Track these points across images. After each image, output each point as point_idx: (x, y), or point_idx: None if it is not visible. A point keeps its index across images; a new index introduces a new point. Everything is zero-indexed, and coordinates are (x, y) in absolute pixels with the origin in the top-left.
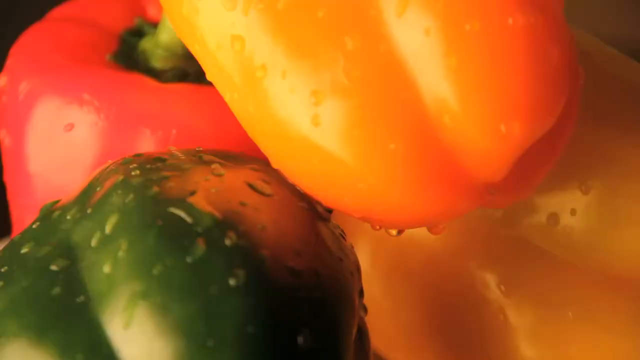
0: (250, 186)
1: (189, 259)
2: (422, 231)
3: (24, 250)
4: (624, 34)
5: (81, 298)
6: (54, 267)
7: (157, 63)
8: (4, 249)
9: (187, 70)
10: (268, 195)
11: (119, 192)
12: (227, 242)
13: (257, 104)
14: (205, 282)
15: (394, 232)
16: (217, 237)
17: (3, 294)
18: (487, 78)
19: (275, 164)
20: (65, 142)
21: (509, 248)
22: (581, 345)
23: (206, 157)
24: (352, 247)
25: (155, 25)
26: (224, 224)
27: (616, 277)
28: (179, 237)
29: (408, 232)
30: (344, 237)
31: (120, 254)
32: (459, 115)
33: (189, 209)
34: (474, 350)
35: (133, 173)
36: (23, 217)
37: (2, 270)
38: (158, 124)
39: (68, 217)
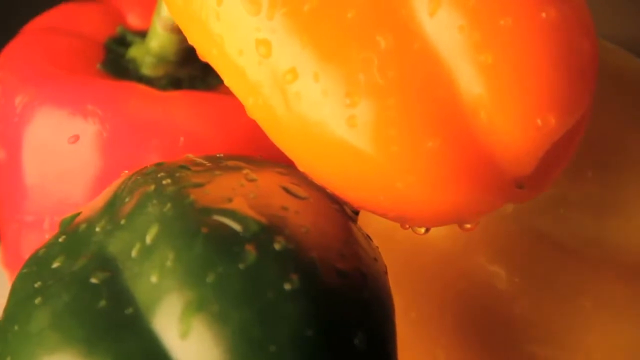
0: (286, 190)
1: (241, 266)
2: (432, 230)
3: (55, 265)
4: (624, 34)
5: (130, 310)
6: (94, 280)
7: (148, 71)
8: (29, 264)
9: (179, 77)
10: (304, 198)
11: (154, 201)
12: (277, 246)
13: (286, 107)
14: (260, 288)
15: (422, 230)
16: (266, 242)
17: (44, 309)
18: (524, 72)
19: (303, 167)
20: (69, 154)
21: (519, 242)
22: (598, 336)
23: (231, 163)
24: (377, 248)
25: (138, 33)
26: (271, 228)
27: (629, 266)
28: (228, 244)
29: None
30: (370, 238)
31: (168, 263)
32: (496, 110)
33: (233, 215)
34: (487, 346)
35: (164, 182)
36: (18, 231)
37: (36, 285)
38: (165, 132)
39: (97, 229)
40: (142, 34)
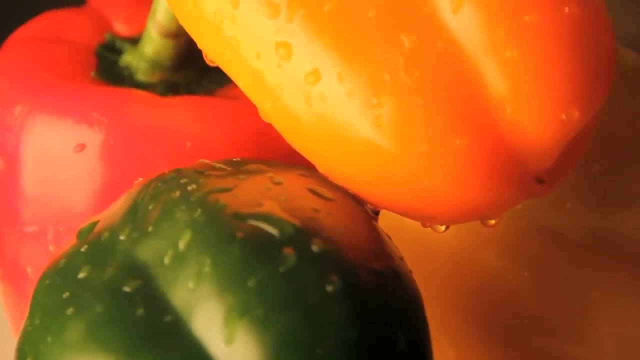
0: (313, 192)
1: (281, 269)
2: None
3: (81, 275)
4: (624, 34)
5: (168, 317)
6: (127, 289)
7: (144, 77)
8: (51, 275)
9: (176, 82)
10: (331, 200)
11: (182, 207)
12: (315, 248)
13: (309, 109)
14: (302, 291)
15: (442, 228)
16: (304, 244)
17: (78, 320)
18: (549, 67)
19: (324, 169)
20: (75, 163)
21: (528, 237)
22: (609, 327)
23: (252, 167)
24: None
25: (127, 39)
26: (306, 231)
27: (637, 257)
28: (265, 248)
29: (423, 230)
30: (390, 238)
31: (206, 269)
32: (522, 105)
33: (267, 218)
34: (497, 341)
35: (189, 188)
36: (17, 242)
37: (64, 296)
38: (172, 137)
39: (122, 238)
40: (131, 40)
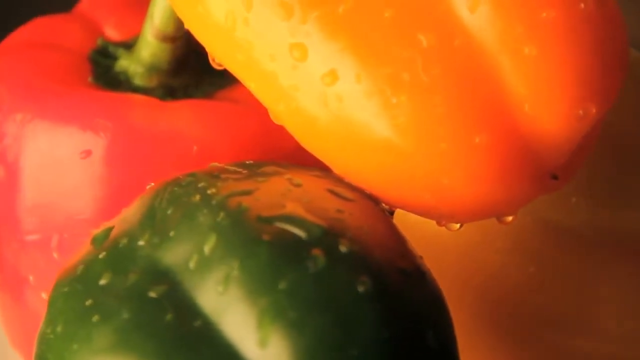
0: (333, 193)
1: (312, 271)
2: (442, 228)
3: (103, 282)
4: None
5: (198, 322)
6: (152, 294)
7: (141, 81)
8: (69, 283)
9: (173, 86)
10: (352, 200)
11: (204, 211)
12: (343, 249)
13: (326, 110)
14: (334, 292)
15: (456, 226)
16: (332, 245)
17: (106, 327)
18: (568, 63)
19: (339, 170)
20: (80, 169)
21: (534, 233)
22: (616, 322)
23: (268, 169)
24: None
25: (120, 44)
26: (333, 232)
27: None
28: (294, 250)
29: (429, 231)
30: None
31: (234, 273)
32: (540, 102)
33: (293, 220)
34: (503, 338)
35: (209, 192)
36: (18, 250)
37: (87, 304)
38: (177, 141)
39: (141, 243)
40: (124, 45)
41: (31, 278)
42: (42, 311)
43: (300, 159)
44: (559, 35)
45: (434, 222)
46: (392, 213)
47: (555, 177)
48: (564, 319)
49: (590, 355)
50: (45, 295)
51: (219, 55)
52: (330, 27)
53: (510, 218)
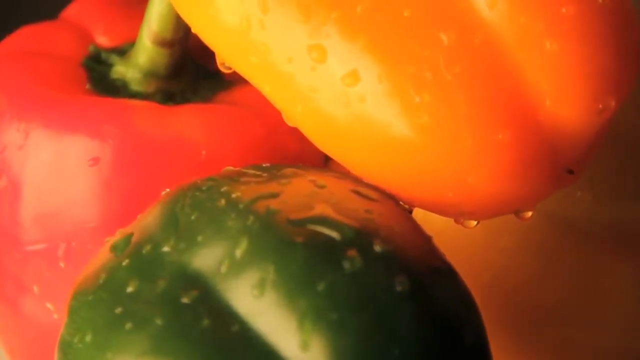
0: (358, 193)
1: (349, 272)
2: (446, 227)
3: (130, 290)
4: None
5: (236, 326)
6: (185, 300)
7: (139, 87)
8: (93, 291)
9: (171, 91)
10: (377, 201)
11: (232, 215)
12: (377, 249)
13: (347, 111)
14: (373, 292)
15: (473, 223)
16: (366, 246)
17: (139, 334)
18: (588, 58)
19: (359, 170)
20: (88, 177)
21: (539, 228)
22: (622, 315)
23: (288, 171)
24: None
25: (112, 50)
26: (365, 232)
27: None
28: (329, 251)
29: (433, 229)
30: None
31: (270, 276)
32: (561, 97)
33: (324, 222)
34: (512, 332)
35: (234, 195)
36: (21, 260)
37: (117, 312)
38: (186, 146)
39: (166, 249)
40: (116, 51)
41: (35, 288)
42: (45, 321)
43: (306, 159)
44: (579, 30)
45: (439, 220)
46: (410, 212)
47: (571, 172)
48: (570, 314)
49: (596, 348)
50: (50, 305)
51: (230, 59)
52: (350, 27)
53: (529, 213)
